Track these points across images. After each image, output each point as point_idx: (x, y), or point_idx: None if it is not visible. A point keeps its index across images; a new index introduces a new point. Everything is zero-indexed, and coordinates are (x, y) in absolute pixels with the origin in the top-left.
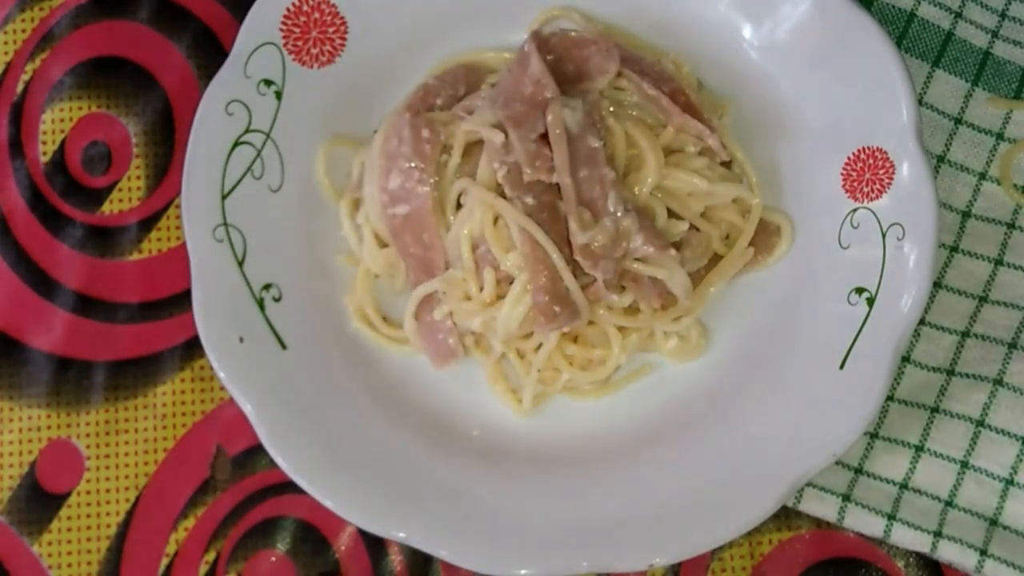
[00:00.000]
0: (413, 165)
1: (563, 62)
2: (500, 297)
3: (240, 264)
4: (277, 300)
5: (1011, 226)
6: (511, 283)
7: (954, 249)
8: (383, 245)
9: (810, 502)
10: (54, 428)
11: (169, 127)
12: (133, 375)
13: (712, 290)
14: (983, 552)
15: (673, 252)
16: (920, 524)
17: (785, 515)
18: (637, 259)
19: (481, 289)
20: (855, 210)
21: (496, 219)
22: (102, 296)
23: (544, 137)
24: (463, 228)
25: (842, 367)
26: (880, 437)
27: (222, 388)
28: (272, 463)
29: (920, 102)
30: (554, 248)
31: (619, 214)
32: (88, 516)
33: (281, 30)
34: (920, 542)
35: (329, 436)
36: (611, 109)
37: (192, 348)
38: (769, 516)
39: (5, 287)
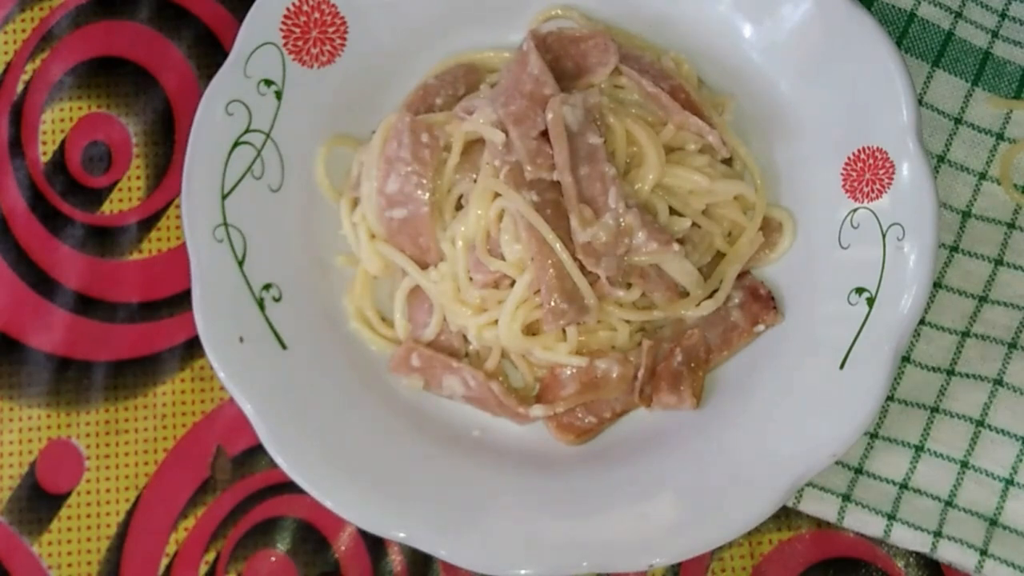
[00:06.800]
0: (412, 170)
1: (561, 60)
2: (499, 301)
3: (240, 264)
4: (277, 300)
5: (1011, 226)
6: (502, 285)
7: (954, 249)
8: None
9: (810, 502)
10: (54, 428)
11: (169, 127)
12: (133, 375)
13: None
14: (983, 552)
15: (677, 246)
16: (920, 524)
17: (785, 515)
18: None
19: (473, 282)
20: (855, 210)
21: (500, 216)
22: (102, 296)
23: (545, 135)
24: (460, 227)
25: (842, 367)
26: (880, 437)
27: (222, 388)
28: (272, 463)
29: (920, 102)
30: (557, 240)
31: (620, 211)
32: (88, 516)
33: (281, 30)
34: (920, 542)
35: (329, 436)
36: (611, 107)
37: (192, 348)
38: (769, 516)
39: (5, 287)
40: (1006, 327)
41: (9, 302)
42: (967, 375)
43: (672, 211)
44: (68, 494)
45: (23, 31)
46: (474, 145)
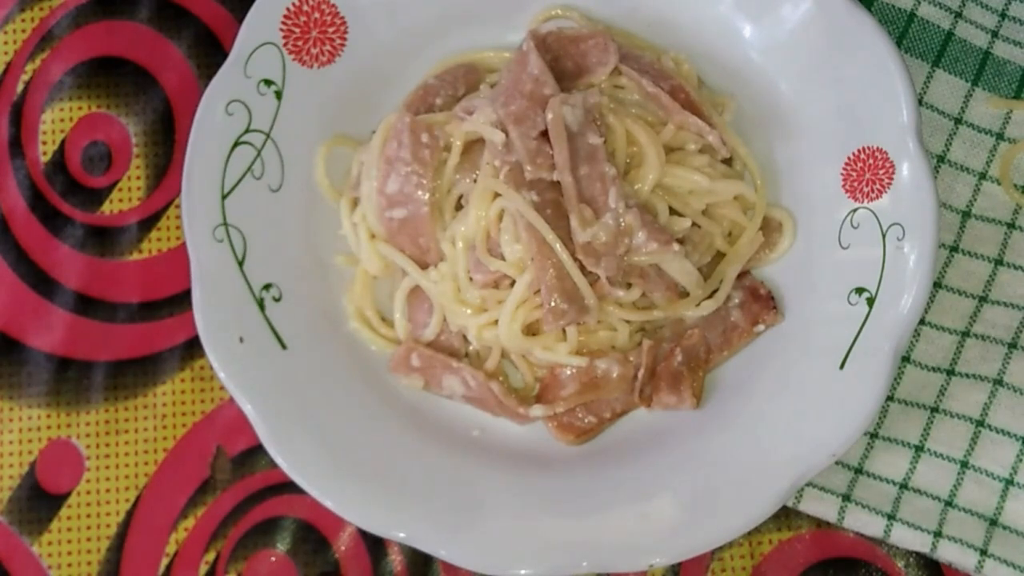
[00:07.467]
0: (411, 170)
1: (561, 60)
2: (499, 301)
3: (240, 264)
4: (277, 300)
5: (1011, 226)
6: (502, 285)
7: (954, 249)
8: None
9: (810, 502)
10: (54, 428)
11: (169, 127)
12: (133, 375)
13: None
14: (983, 552)
15: (677, 246)
16: (920, 524)
17: (785, 515)
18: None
19: (473, 282)
20: (855, 210)
21: (500, 216)
22: (102, 296)
23: (545, 135)
24: (460, 227)
25: (842, 367)
26: (880, 437)
27: (222, 388)
28: (272, 463)
29: (920, 102)
30: (557, 240)
31: (620, 211)
32: (88, 516)
33: (281, 30)
34: (920, 542)
35: (329, 436)
36: (611, 107)
37: (192, 348)
38: (769, 516)
39: (5, 287)
40: (1006, 327)
41: (9, 302)
42: (967, 375)
43: (672, 211)
44: (68, 494)
45: (23, 31)
46: (474, 145)
